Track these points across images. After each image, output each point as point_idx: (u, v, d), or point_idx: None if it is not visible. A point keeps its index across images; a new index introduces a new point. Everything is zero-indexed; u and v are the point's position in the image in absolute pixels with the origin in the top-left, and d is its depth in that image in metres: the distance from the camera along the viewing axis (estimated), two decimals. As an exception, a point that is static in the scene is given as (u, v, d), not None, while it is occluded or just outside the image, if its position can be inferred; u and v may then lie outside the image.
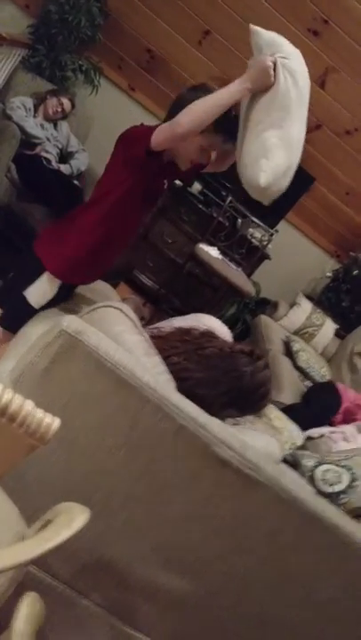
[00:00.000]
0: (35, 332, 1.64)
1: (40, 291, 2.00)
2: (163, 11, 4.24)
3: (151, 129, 1.88)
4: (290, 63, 1.78)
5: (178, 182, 4.22)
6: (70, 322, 1.35)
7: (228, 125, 1.87)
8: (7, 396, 0.61)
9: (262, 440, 1.70)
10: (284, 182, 1.88)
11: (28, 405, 0.64)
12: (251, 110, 1.81)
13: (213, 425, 1.39)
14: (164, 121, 1.99)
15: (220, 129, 1.88)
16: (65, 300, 2.08)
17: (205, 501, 1.42)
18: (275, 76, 1.73)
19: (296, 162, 1.88)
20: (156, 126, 1.89)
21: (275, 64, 1.74)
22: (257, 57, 1.83)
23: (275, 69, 1.74)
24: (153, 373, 1.42)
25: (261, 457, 1.42)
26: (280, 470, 1.47)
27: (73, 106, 4.08)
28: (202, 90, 1.92)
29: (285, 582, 1.47)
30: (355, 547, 1.41)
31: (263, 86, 1.75)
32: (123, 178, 1.95)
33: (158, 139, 1.83)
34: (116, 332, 1.50)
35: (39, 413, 0.65)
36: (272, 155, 1.77)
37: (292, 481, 1.44)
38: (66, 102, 4.00)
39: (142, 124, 1.99)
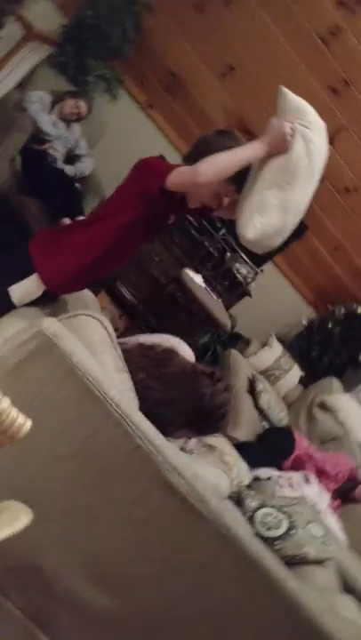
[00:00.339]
0: (10, 327, 1.65)
1: (25, 290, 2.01)
2: (194, 38, 4.33)
3: (170, 167, 1.93)
4: (310, 134, 1.84)
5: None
6: (50, 324, 1.37)
7: (243, 178, 1.93)
8: (-15, 391, 0.63)
9: (213, 474, 1.73)
10: (275, 241, 1.94)
11: (5, 403, 0.66)
12: (262, 165, 1.87)
13: (169, 450, 1.41)
14: (185, 158, 2.06)
15: (236, 180, 1.94)
16: (46, 301, 2.09)
17: (145, 524, 1.43)
18: (292, 141, 1.80)
19: (291, 226, 1.94)
20: (176, 165, 1.94)
21: (294, 130, 1.81)
22: (280, 118, 1.89)
23: (293, 134, 1.80)
24: (120, 389, 1.45)
25: (209, 490, 1.45)
26: (224, 506, 1.50)
27: (89, 111, 4.12)
28: (228, 137, 1.99)
29: (209, 617, 1.48)
30: (284, 594, 1.43)
31: (279, 151, 1.82)
32: (131, 205, 1.99)
33: (176, 181, 1.89)
34: (91, 342, 1.53)
35: (14, 412, 0.67)
36: (267, 213, 1.83)
37: (233, 519, 1.47)
38: (83, 106, 4.05)
39: (161, 157, 2.03)
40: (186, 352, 2.09)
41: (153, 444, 1.39)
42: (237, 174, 1.88)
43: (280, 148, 1.81)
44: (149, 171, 1.97)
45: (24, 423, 0.67)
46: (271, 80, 4.33)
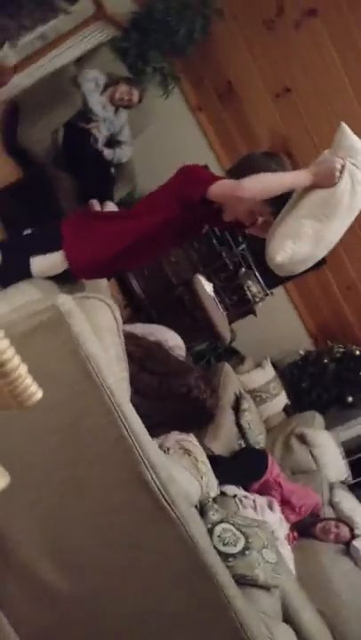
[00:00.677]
0: (24, 294, 1.68)
1: (48, 265, 2.03)
2: (258, 53, 4.36)
3: (214, 177, 1.97)
4: (358, 174, 1.87)
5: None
6: (65, 301, 1.40)
7: (282, 202, 1.97)
8: (9, 353, 0.65)
9: (186, 479, 1.76)
10: (298, 268, 1.98)
11: (23, 369, 0.68)
12: (304, 194, 1.90)
13: (150, 448, 1.44)
14: (229, 171, 2.10)
15: (275, 203, 1.98)
16: (63, 280, 2.11)
17: (113, 513, 1.46)
18: (339, 177, 1.83)
19: (318, 258, 1.98)
20: (220, 177, 1.98)
21: (343, 167, 1.84)
22: (333, 152, 1.92)
23: (342, 171, 1.84)
24: (117, 378, 1.47)
25: (181, 495, 1.47)
26: (191, 514, 1.52)
27: (140, 100, 4.14)
28: (275, 160, 2.03)
29: (152, 616, 1.51)
30: (230, 611, 1.46)
31: (324, 184, 1.85)
32: (170, 207, 2.03)
33: (218, 192, 1.93)
34: (99, 326, 1.55)
35: (29, 380, 0.69)
36: (300, 241, 1.86)
37: (197, 528, 1.49)
38: (136, 94, 4.06)
39: (206, 167, 2.07)
40: (179, 344, 2.13)
41: (137, 437, 1.42)
42: (278, 198, 1.92)
43: (326, 181, 1.85)
44: (195, 178, 2.00)
45: (35, 392, 0.70)
46: (322, 109, 4.38)
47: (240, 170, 2.00)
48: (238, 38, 4.36)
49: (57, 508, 1.47)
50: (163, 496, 1.42)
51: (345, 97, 4.33)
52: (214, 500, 2.83)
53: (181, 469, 1.82)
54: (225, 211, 2.07)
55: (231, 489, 3.00)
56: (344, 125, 1.95)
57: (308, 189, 1.90)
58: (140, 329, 2.11)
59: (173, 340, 2.39)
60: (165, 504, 1.42)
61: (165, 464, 1.48)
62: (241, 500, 2.97)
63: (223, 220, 2.12)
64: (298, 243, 1.86)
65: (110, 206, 3.76)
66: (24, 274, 2.01)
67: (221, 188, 1.92)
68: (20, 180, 3.62)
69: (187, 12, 4.11)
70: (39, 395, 0.71)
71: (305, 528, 3.37)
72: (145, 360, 1.84)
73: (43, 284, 2.00)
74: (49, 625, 1.56)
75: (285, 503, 3.37)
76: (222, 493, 2.90)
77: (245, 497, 3.03)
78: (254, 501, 3.05)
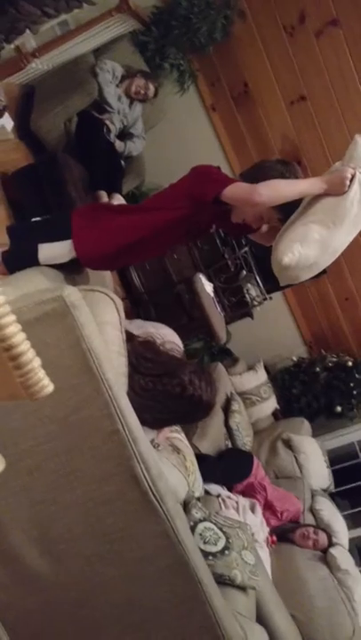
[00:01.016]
0: (31, 282, 1.70)
1: (56, 252, 2.05)
2: (276, 59, 4.38)
3: (228, 179, 1.99)
4: None
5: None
6: (71, 293, 1.42)
7: (291, 210, 2.00)
8: (24, 346, 0.67)
9: (176, 477, 1.78)
10: (302, 275, 2.00)
11: (37, 362, 0.71)
12: (314, 201, 1.93)
13: (143, 444, 1.46)
14: (241, 175, 2.15)
15: (284, 210, 2.02)
16: (70, 269, 2.13)
17: (102, 504, 1.48)
18: (349, 186, 1.86)
19: (323, 266, 2.01)
20: (233, 180, 2.00)
21: (353, 176, 1.87)
22: (345, 163, 1.95)
23: (352, 180, 1.87)
24: (117, 373, 1.50)
25: (169, 491, 1.50)
26: (177, 510, 1.55)
27: (155, 95, 4.16)
28: (288, 169, 2.08)
29: (133, 608, 1.54)
30: (208, 608, 1.49)
31: (335, 193, 1.88)
32: (180, 205, 2.05)
33: (232, 194, 1.95)
34: (102, 320, 1.57)
35: (41, 373, 0.71)
36: (307, 245, 1.89)
37: (183, 525, 1.52)
38: (152, 88, 4.07)
39: (219, 168, 2.09)
40: (176, 343, 2.15)
41: (131, 432, 1.44)
42: (287, 205, 1.95)
43: (336, 189, 1.88)
44: (210, 177, 2.03)
45: (47, 386, 0.72)
46: (336, 120, 4.41)
47: (253, 175, 2.03)
48: (258, 42, 4.37)
49: (47, 495, 1.49)
50: (152, 491, 1.45)
51: (359, 109, 4.35)
52: (198, 498, 2.87)
53: (171, 467, 1.84)
54: (233, 212, 2.10)
55: (215, 488, 3.03)
56: (359, 138, 1.98)
57: (317, 197, 1.93)
58: (136, 326, 2.13)
59: (170, 337, 2.41)
60: (154, 499, 1.45)
61: (156, 461, 1.50)
62: (224, 500, 3.01)
63: (230, 223, 2.15)
64: (305, 247, 1.89)
65: (118, 198, 3.78)
66: (31, 260, 2.03)
67: (236, 190, 1.94)
68: (31, 166, 3.63)
69: (209, 11, 4.13)
70: (50, 388, 0.73)
71: (284, 533, 3.42)
72: (136, 363, 1.85)
73: (49, 271, 2.02)
74: (32, 610, 1.58)
75: (268, 507, 3.41)
76: (206, 492, 2.93)
77: (229, 497, 3.07)
78: (237, 502, 3.08)
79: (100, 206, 2.42)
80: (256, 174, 2.04)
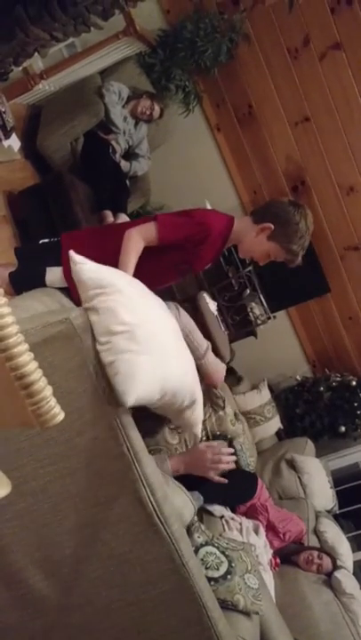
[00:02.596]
0: (40, 303, 1.71)
1: (55, 277, 2.06)
2: (280, 81, 4.43)
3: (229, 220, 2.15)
4: None
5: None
6: (78, 315, 1.43)
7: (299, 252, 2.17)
8: (36, 375, 0.68)
9: (181, 499, 1.77)
10: None
11: (48, 391, 0.71)
12: None
13: (149, 466, 1.46)
14: (252, 213, 2.26)
15: (293, 251, 2.19)
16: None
17: (106, 527, 1.48)
18: None
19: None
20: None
21: None
22: None
23: None
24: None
25: (173, 514, 1.49)
26: (182, 534, 1.54)
27: (161, 116, 4.20)
28: (299, 211, 2.17)
29: (137, 633, 1.52)
30: (211, 633, 1.47)
31: None
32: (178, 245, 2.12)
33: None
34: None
35: (53, 402, 0.72)
36: None
37: (188, 548, 1.51)
38: (157, 109, 4.12)
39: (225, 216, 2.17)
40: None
41: (137, 455, 1.44)
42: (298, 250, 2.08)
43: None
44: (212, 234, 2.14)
45: (58, 414, 0.72)
46: (339, 142, 4.45)
47: (263, 215, 2.09)
48: (263, 64, 4.43)
49: (51, 517, 1.49)
50: (156, 514, 1.44)
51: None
52: (200, 520, 2.85)
53: (177, 489, 1.83)
54: (240, 250, 2.14)
55: (219, 509, 3.01)
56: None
57: None
58: None
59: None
60: (158, 522, 1.45)
61: (161, 483, 1.50)
62: (227, 522, 2.98)
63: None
64: None
65: (123, 218, 3.80)
66: (38, 282, 2.04)
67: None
68: (37, 185, 3.66)
69: (215, 34, 4.18)
70: (61, 416, 0.73)
71: (288, 555, 3.38)
72: None
73: (55, 293, 2.03)
74: (36, 634, 1.57)
75: (270, 528, 3.38)
76: (209, 513, 2.91)
77: (232, 519, 3.04)
78: (240, 524, 3.06)
79: (90, 230, 2.43)
80: (265, 215, 2.14)
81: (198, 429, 1.70)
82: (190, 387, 1.66)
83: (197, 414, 1.66)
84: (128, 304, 1.48)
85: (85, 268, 1.51)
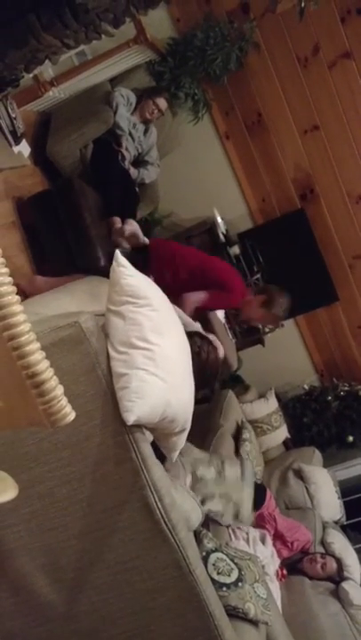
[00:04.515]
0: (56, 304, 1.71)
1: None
2: (289, 89, 4.43)
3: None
4: None
5: (222, 238, 4.34)
6: (87, 319, 1.42)
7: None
8: (47, 374, 0.67)
9: (189, 505, 1.76)
10: None
11: (59, 390, 0.70)
12: None
13: (156, 472, 1.45)
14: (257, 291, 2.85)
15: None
16: None
17: (112, 533, 1.46)
18: None
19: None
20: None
21: None
22: None
23: None
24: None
25: (181, 521, 1.48)
26: (190, 540, 1.52)
27: (169, 104, 4.14)
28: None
29: (142, 641, 1.50)
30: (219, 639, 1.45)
31: None
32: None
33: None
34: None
35: (64, 401, 0.71)
36: None
37: (195, 555, 1.49)
38: (162, 103, 4.07)
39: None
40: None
41: (145, 461, 1.43)
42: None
43: None
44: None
45: (69, 414, 0.71)
46: (348, 150, 4.44)
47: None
48: (272, 73, 4.43)
49: (58, 522, 1.48)
50: (164, 520, 1.43)
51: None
52: (207, 526, 2.83)
53: (185, 495, 1.82)
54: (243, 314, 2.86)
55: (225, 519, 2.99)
56: None
57: None
58: None
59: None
60: (166, 528, 1.43)
61: (169, 489, 1.49)
62: (234, 531, 2.96)
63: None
64: None
65: (131, 223, 3.79)
66: None
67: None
68: (46, 191, 3.67)
69: (225, 43, 4.19)
70: (72, 416, 0.72)
71: (293, 564, 3.36)
72: None
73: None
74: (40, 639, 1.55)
75: (278, 537, 3.35)
76: (216, 521, 2.88)
77: (239, 528, 3.02)
78: (247, 533, 3.03)
79: None
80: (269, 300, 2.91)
81: (175, 455, 1.68)
82: (187, 415, 1.66)
83: (181, 441, 1.66)
84: (156, 323, 1.48)
85: (127, 272, 1.50)
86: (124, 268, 1.50)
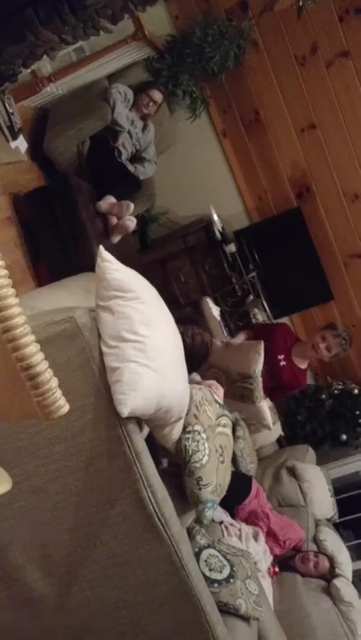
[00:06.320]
0: (53, 298, 1.71)
1: None
2: (287, 88, 4.44)
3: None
4: None
5: (218, 236, 4.35)
6: (82, 314, 1.42)
7: None
8: (42, 366, 0.67)
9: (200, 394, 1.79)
10: None
11: (54, 382, 0.71)
12: None
13: (150, 467, 1.46)
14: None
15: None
16: None
17: (106, 527, 1.47)
18: None
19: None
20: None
21: None
22: None
23: None
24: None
25: (174, 516, 1.48)
26: (182, 535, 1.53)
27: (163, 95, 4.11)
28: None
29: (135, 636, 1.51)
30: (212, 636, 1.46)
31: None
32: None
33: None
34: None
35: (58, 393, 0.72)
36: None
37: (187, 551, 1.50)
38: (155, 94, 4.05)
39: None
40: None
41: (138, 455, 1.44)
42: None
43: None
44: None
45: (63, 406, 0.72)
46: (345, 149, 4.45)
47: None
48: (270, 71, 4.44)
49: (51, 516, 1.48)
50: (157, 515, 1.44)
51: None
52: (200, 524, 2.84)
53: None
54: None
55: (218, 515, 3.00)
56: None
57: None
58: None
59: None
60: (158, 523, 1.44)
61: (162, 484, 1.49)
62: (227, 528, 2.97)
63: None
64: None
65: (127, 204, 3.77)
66: None
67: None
68: (43, 187, 3.67)
69: (223, 40, 4.19)
70: (66, 408, 0.73)
71: (285, 561, 3.37)
72: None
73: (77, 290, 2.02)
74: (33, 635, 1.56)
75: (271, 535, 3.36)
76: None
77: (232, 525, 3.03)
78: (240, 530, 3.05)
79: None
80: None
81: (170, 445, 1.68)
82: (183, 404, 1.67)
83: (176, 431, 1.67)
84: (145, 316, 1.49)
85: (112, 267, 1.51)
86: (108, 263, 1.51)
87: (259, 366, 3.10)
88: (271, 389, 3.59)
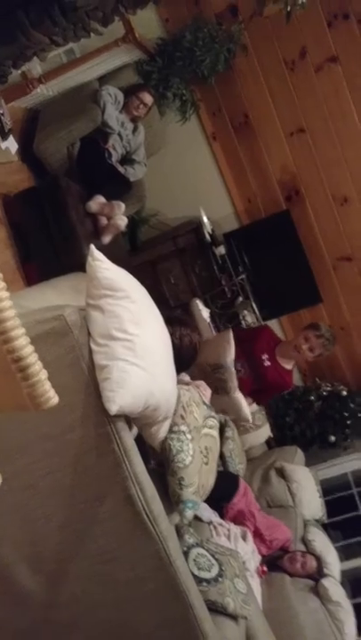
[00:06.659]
0: (42, 297, 1.72)
1: None
2: (276, 91, 4.48)
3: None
4: None
5: (208, 238, 4.37)
6: (72, 313, 1.44)
7: None
8: (32, 358, 0.69)
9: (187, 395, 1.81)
10: None
11: (43, 375, 0.72)
12: None
13: (139, 465, 1.47)
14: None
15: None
16: None
17: (95, 524, 1.48)
18: None
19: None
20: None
21: None
22: None
23: None
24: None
25: (163, 513, 1.50)
26: (171, 532, 1.55)
27: (152, 96, 4.13)
28: None
29: (123, 632, 1.52)
30: (200, 633, 1.47)
31: None
32: None
33: None
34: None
35: (47, 385, 0.73)
36: None
37: (175, 548, 1.51)
38: (145, 97, 4.07)
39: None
40: None
41: (127, 453, 1.45)
42: None
43: None
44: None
45: (52, 398, 0.73)
46: (334, 153, 4.49)
47: None
48: (259, 75, 4.47)
49: (41, 513, 1.49)
50: (145, 512, 1.45)
51: (358, 143, 4.44)
52: (189, 523, 2.84)
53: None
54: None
55: (206, 515, 3.01)
56: None
57: None
58: None
59: None
60: (147, 520, 1.45)
61: (150, 482, 1.50)
62: (215, 527, 2.98)
63: None
64: None
65: (118, 204, 3.78)
66: None
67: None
68: (33, 188, 3.68)
69: (213, 44, 4.22)
70: (56, 400, 0.74)
71: (273, 561, 3.38)
72: None
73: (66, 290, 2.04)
74: (23, 630, 1.56)
75: (257, 535, 3.38)
76: (197, 518, 2.90)
77: (220, 524, 3.04)
78: (229, 530, 3.06)
79: None
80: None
81: (157, 444, 1.70)
82: (170, 403, 1.69)
83: (163, 430, 1.68)
84: (134, 314, 1.51)
85: (103, 266, 1.52)
86: (99, 262, 1.52)
87: (230, 355, 3.12)
88: (257, 391, 3.60)
